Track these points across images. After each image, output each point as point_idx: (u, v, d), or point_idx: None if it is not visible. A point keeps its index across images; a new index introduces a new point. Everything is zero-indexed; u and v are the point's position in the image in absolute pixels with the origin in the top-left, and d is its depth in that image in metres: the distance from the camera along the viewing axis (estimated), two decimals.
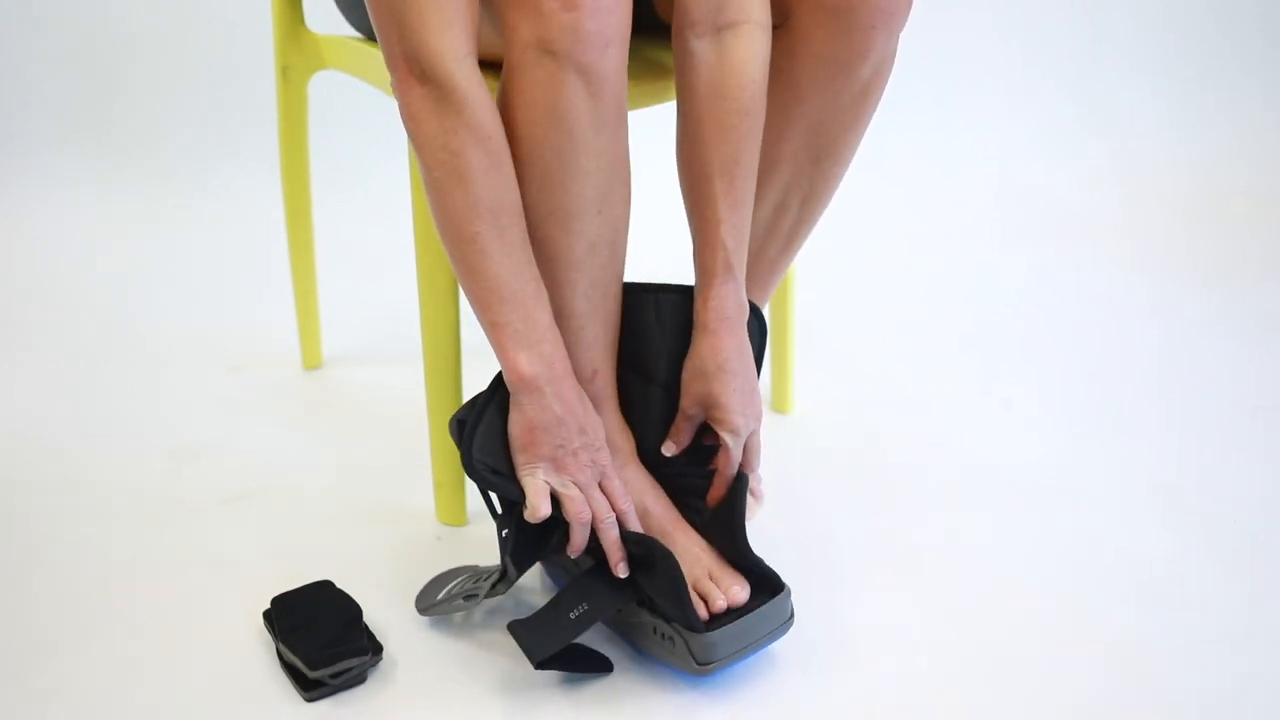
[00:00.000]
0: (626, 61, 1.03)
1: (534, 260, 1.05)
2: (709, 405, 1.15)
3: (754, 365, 1.17)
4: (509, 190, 1.02)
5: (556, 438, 1.06)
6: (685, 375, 1.16)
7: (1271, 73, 2.56)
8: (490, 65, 1.24)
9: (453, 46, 1.00)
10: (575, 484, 1.07)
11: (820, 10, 1.13)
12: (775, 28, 1.16)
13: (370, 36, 1.36)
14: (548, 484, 1.07)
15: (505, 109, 1.04)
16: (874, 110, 1.23)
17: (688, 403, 1.16)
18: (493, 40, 1.18)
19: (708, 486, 1.19)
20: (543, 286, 1.06)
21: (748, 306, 1.16)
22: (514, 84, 1.02)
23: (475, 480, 1.09)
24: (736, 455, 1.16)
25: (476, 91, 1.00)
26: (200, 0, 2.29)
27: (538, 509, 1.06)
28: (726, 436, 1.15)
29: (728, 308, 1.14)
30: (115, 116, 2.28)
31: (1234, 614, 1.21)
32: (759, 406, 1.17)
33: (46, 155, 2.23)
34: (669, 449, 1.17)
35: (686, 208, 1.15)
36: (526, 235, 1.04)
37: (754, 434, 1.18)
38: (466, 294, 1.06)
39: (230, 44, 2.29)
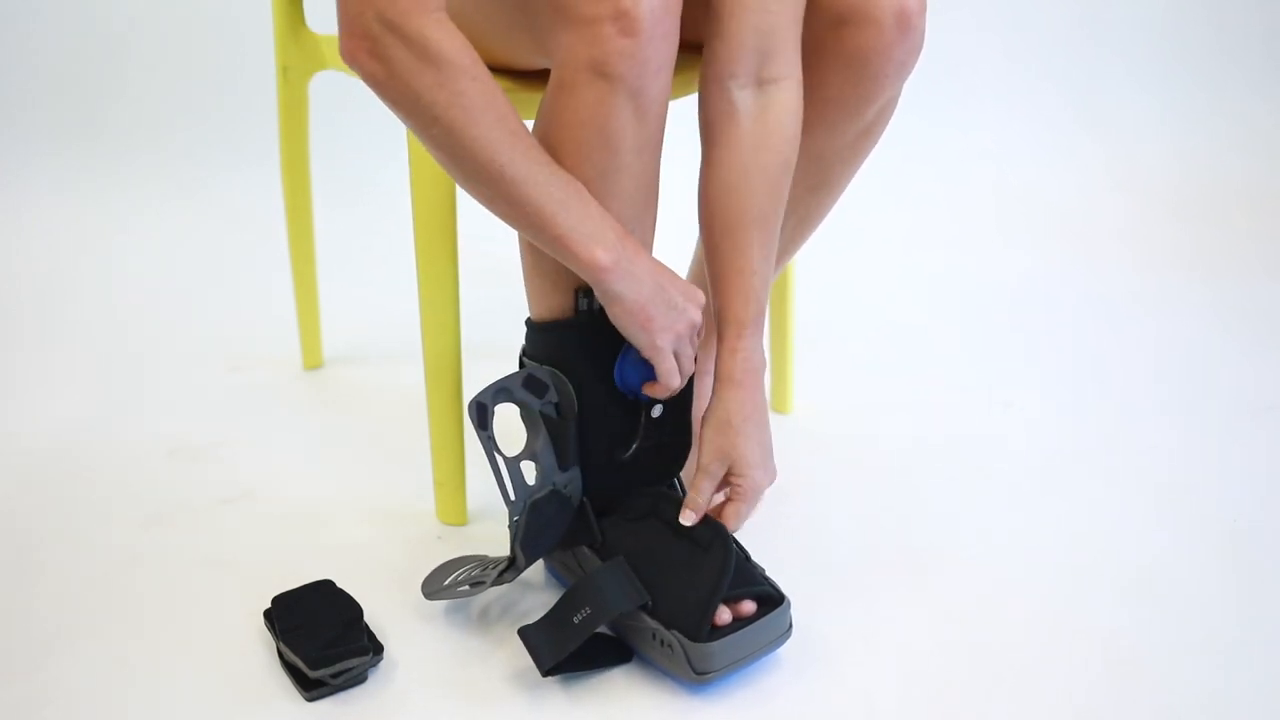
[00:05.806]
0: (670, 87, 1.05)
1: (553, 159, 1.03)
2: (731, 460, 1.14)
3: (769, 423, 1.18)
4: (511, 112, 0.99)
5: (663, 302, 1.07)
6: (706, 430, 1.15)
7: (1268, 73, 2.56)
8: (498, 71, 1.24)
9: (420, 2, 0.95)
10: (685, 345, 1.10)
11: (839, 58, 1.15)
12: None
13: None
14: (676, 359, 1.09)
15: (550, 126, 1.03)
16: (874, 147, 1.25)
17: (708, 458, 1.15)
18: (500, 48, 1.17)
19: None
20: (574, 178, 1.03)
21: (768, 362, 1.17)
22: (562, 102, 1.02)
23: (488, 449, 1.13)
24: (747, 513, 1.16)
25: (451, 41, 0.96)
26: (200, 0, 2.29)
27: (670, 385, 1.10)
28: (742, 493, 1.15)
29: (755, 361, 1.15)
30: (115, 116, 2.28)
31: (1234, 614, 1.21)
32: (775, 467, 1.18)
33: (46, 155, 2.23)
34: (688, 518, 1.12)
35: (707, 252, 1.16)
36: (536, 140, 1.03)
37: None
38: (519, 228, 1.04)
39: (230, 44, 2.28)
